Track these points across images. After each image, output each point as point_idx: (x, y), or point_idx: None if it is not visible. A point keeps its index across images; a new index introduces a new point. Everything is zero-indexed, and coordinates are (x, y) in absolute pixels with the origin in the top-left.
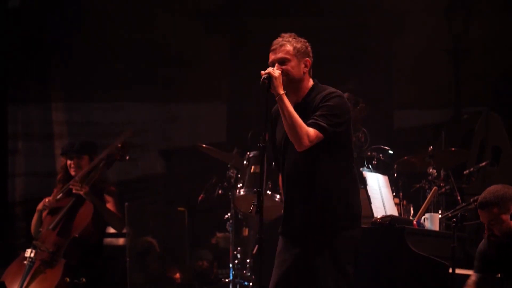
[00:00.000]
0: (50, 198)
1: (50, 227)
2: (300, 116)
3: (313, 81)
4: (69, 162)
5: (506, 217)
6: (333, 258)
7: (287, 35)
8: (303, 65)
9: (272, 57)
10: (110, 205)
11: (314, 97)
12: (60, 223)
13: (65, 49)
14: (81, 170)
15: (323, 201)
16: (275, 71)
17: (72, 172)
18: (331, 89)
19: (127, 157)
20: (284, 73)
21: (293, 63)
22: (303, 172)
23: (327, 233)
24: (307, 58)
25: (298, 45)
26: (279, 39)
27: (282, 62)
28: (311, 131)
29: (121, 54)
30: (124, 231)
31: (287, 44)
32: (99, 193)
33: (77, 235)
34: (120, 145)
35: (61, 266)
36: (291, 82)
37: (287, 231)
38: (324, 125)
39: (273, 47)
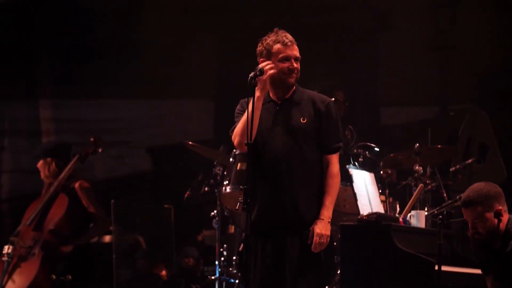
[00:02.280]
0: None
1: (27, 222)
2: (287, 111)
3: None
4: (38, 163)
5: (490, 215)
6: (308, 251)
7: (285, 32)
8: None
9: (288, 52)
10: (84, 203)
11: (302, 96)
12: (36, 218)
13: (53, 46)
14: (48, 173)
15: (306, 194)
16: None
17: (41, 175)
18: (319, 94)
19: (100, 150)
20: (296, 71)
21: (299, 63)
22: (288, 163)
23: (302, 226)
24: None
25: None
26: (289, 36)
27: (296, 59)
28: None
29: (109, 51)
30: (111, 228)
31: (296, 44)
32: (71, 190)
33: (52, 227)
34: (92, 139)
35: (39, 259)
36: (295, 82)
37: (260, 227)
38: (341, 144)
39: (287, 42)
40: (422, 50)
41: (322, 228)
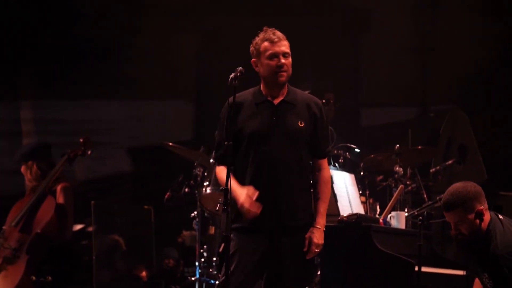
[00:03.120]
0: None
1: (13, 224)
2: (284, 113)
3: None
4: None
5: (471, 215)
6: (300, 253)
7: (274, 29)
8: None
9: (275, 48)
10: (61, 202)
11: (296, 97)
12: (23, 220)
13: (33, 47)
14: (30, 176)
15: (297, 198)
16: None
17: (26, 180)
18: (310, 95)
19: (89, 152)
20: (286, 67)
21: (290, 59)
22: (286, 166)
23: (295, 229)
24: None
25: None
26: (277, 33)
27: (285, 55)
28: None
29: (89, 52)
30: (90, 229)
31: (285, 39)
32: (55, 190)
33: (39, 231)
34: (82, 140)
35: (24, 262)
36: (287, 79)
37: (251, 227)
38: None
39: (274, 39)
40: (403, 51)
41: (319, 237)
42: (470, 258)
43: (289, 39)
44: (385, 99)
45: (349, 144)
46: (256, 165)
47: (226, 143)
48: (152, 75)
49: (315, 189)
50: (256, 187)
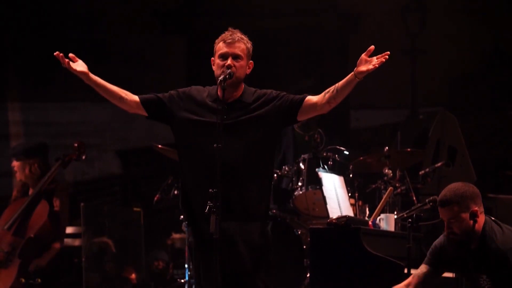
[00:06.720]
0: None
1: (6, 227)
2: (237, 112)
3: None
4: (13, 163)
5: (465, 215)
6: (260, 253)
7: (237, 31)
8: (247, 67)
9: (226, 49)
10: (57, 207)
11: (251, 96)
12: (16, 223)
13: (21, 49)
14: (30, 174)
15: (249, 192)
16: None
17: (17, 176)
18: (265, 90)
19: (83, 157)
20: (234, 70)
21: (243, 62)
22: (237, 162)
23: (254, 229)
24: (251, 61)
25: (249, 46)
26: (234, 35)
27: (235, 57)
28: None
29: (78, 53)
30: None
31: (242, 42)
32: (51, 194)
33: (32, 235)
34: (76, 145)
35: (16, 266)
36: (236, 80)
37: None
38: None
39: (228, 40)
40: (392, 53)
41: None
42: (465, 260)
43: (276, 41)
44: (374, 101)
45: (338, 147)
46: (206, 163)
47: (215, 145)
48: (141, 77)
49: (267, 183)
50: (206, 185)
